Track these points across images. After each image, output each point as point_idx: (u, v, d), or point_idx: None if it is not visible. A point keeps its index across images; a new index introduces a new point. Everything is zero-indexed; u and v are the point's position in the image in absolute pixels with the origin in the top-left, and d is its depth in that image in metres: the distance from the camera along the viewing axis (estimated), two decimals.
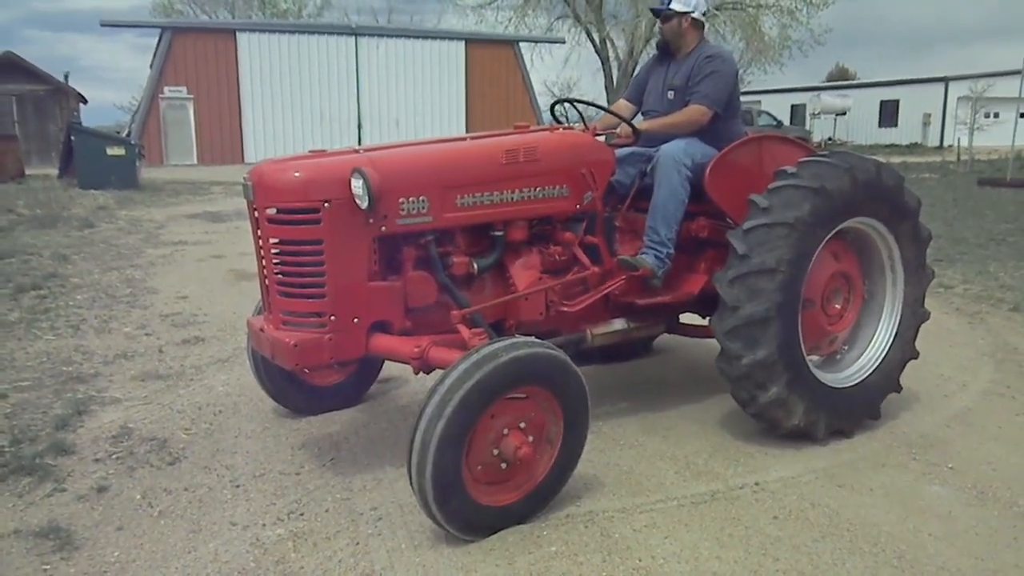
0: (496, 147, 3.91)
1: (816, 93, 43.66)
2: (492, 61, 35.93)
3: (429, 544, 3.28)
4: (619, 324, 4.38)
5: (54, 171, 23.57)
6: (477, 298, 3.92)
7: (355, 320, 3.53)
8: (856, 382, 4.41)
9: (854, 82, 55.49)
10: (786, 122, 38.74)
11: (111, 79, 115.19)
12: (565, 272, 4.20)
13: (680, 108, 4.57)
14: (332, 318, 3.49)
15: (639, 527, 3.44)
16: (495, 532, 3.24)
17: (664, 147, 4.37)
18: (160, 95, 31.71)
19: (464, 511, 3.12)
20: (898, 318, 4.55)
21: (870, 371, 4.47)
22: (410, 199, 3.56)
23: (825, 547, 3.29)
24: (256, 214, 3.57)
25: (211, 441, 4.41)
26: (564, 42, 40.27)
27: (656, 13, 4.72)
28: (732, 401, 4.31)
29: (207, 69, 32.03)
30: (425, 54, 34.63)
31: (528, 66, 37.75)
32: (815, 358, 4.39)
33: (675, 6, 4.60)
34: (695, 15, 4.64)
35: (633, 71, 41.29)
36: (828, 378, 4.30)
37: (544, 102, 37.83)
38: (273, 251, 3.55)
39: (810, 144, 4.98)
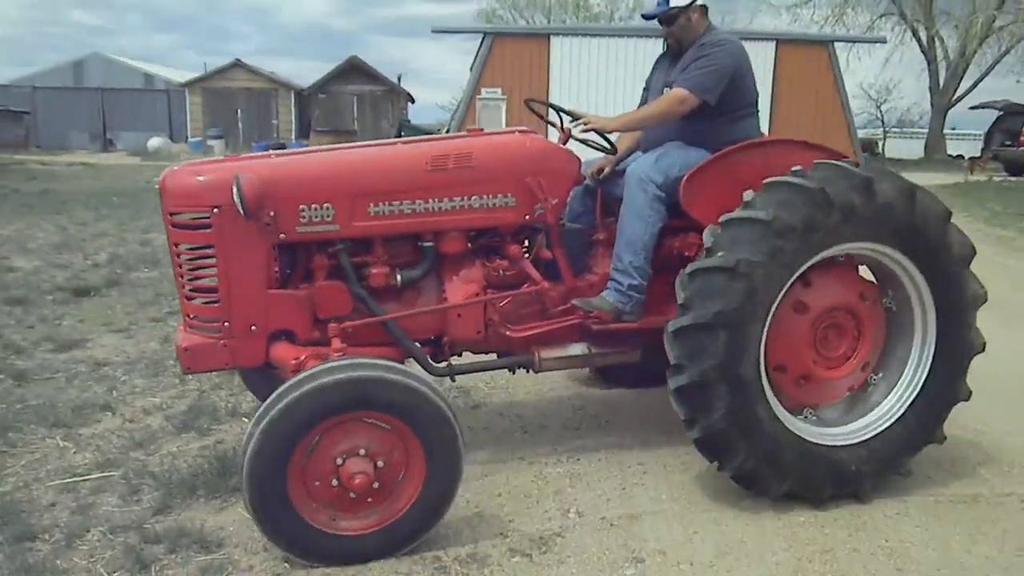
0: (421, 153, 3.63)
1: None
2: (803, 62, 34.63)
3: (686, 497, 3.69)
4: (577, 349, 3.95)
5: None
6: (402, 311, 3.71)
7: (252, 328, 3.45)
8: (866, 437, 3.69)
9: None
10: None
11: (436, 80, 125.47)
12: (512, 289, 3.84)
13: None
14: (226, 324, 3.43)
15: (891, 513, 3.59)
16: (351, 561, 3.09)
17: (632, 163, 3.91)
18: (477, 96, 34.23)
19: (296, 533, 3.01)
20: (931, 354, 3.72)
21: (889, 422, 3.72)
22: (312, 206, 3.43)
23: None
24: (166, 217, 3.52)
25: (506, 394, 5.13)
26: (885, 41, 37.74)
27: (655, 18, 4.04)
28: (1017, 411, 4.22)
29: (521, 71, 34.01)
30: None
31: (843, 68, 35.98)
32: (815, 412, 3.79)
33: (676, 1, 3.95)
34: (700, 0, 3.99)
35: (964, 72, 37.96)
36: (824, 434, 3.67)
37: (857, 105, 35.93)
38: (177, 255, 3.50)
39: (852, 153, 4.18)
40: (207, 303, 3.46)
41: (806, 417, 3.73)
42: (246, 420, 4.60)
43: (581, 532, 3.42)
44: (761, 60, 34.32)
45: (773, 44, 34.45)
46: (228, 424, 4.56)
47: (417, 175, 3.57)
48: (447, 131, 31.47)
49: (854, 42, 37.52)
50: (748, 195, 3.42)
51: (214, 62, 41.50)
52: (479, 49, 34.29)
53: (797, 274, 3.43)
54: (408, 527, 3.13)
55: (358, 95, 36.47)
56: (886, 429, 3.69)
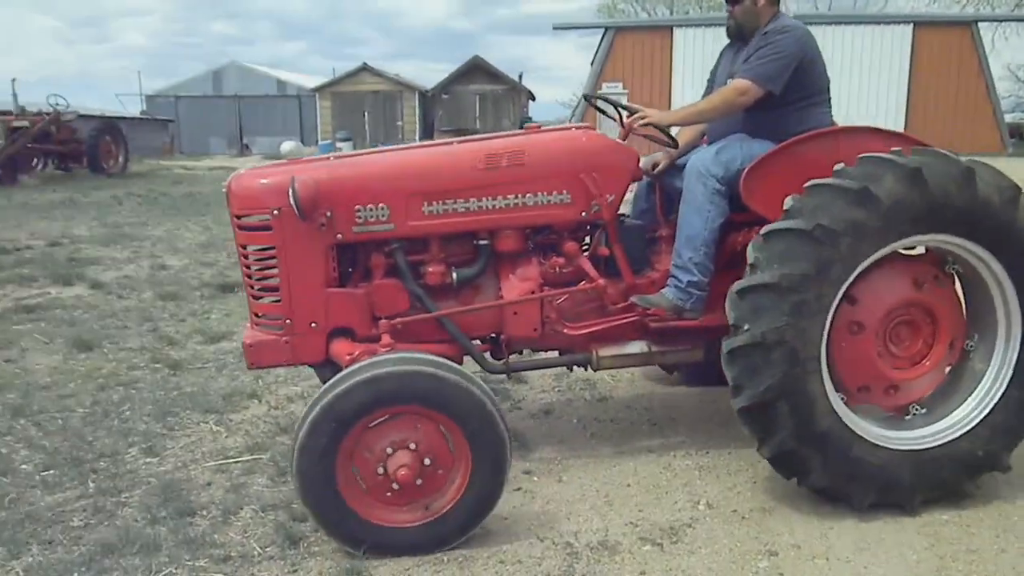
0: (475, 152, 3.65)
1: None
2: (943, 44, 32.87)
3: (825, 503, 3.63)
4: (636, 347, 3.88)
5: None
6: (458, 309, 3.73)
7: (312, 325, 3.55)
8: (926, 446, 3.47)
9: None
10: None
11: (556, 78, 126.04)
12: (570, 286, 3.80)
13: None
14: (288, 322, 3.55)
15: None
16: (397, 553, 3.15)
17: (692, 156, 3.84)
18: (598, 91, 34.15)
19: (343, 523, 3.09)
20: (1007, 376, 3.50)
21: (950, 437, 3.49)
22: (367, 207, 3.50)
23: None
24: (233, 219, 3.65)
25: (632, 388, 5.14)
26: None
27: None
28: None
29: (642, 65, 33.72)
30: (866, 40, 32.83)
31: (987, 49, 33.98)
32: (922, 407, 3.61)
33: None
34: None
35: None
36: (882, 435, 3.47)
37: (1004, 88, 33.87)
38: (244, 256, 3.63)
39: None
40: (271, 302, 3.59)
41: (914, 415, 3.59)
42: None
43: (712, 524, 3.42)
44: (898, 44, 32.87)
45: (910, 27, 32.85)
46: None
47: (470, 174, 3.60)
48: None
49: (1000, 21, 35.30)
50: (788, 202, 3.29)
51: (342, 67, 42.80)
52: (600, 44, 34.18)
53: (852, 277, 3.28)
54: (454, 523, 3.16)
55: (480, 94, 36.98)
56: (983, 419, 3.50)
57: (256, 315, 3.66)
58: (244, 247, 3.60)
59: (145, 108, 44.14)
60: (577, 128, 3.84)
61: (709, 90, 4.15)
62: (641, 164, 3.91)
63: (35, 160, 21.72)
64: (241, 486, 3.81)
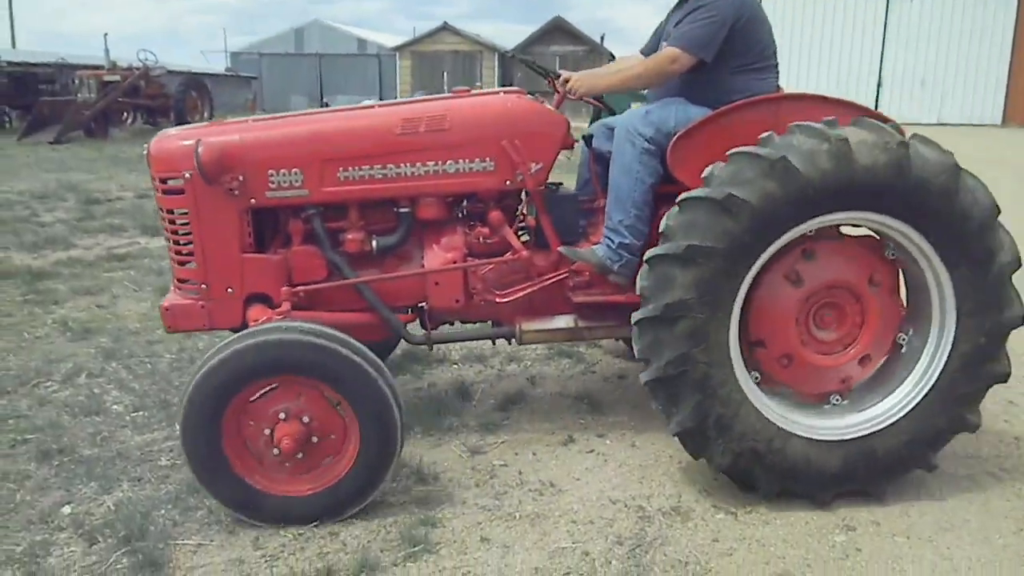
0: (392, 116, 3.51)
1: None
2: None
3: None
4: (562, 322, 3.73)
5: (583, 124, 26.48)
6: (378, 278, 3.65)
7: (228, 290, 3.49)
8: (841, 438, 3.27)
9: None
10: None
11: (639, 39, 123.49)
12: (496, 257, 3.65)
13: None
14: (203, 286, 3.48)
15: None
16: (292, 522, 3.09)
17: (622, 116, 3.63)
18: None
19: (233, 490, 3.06)
20: (939, 369, 3.25)
21: (867, 431, 3.27)
22: (280, 172, 3.42)
23: None
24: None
25: None
26: None
27: None
28: None
29: None
30: (967, 8, 31.42)
31: None
32: (844, 397, 3.41)
33: None
34: None
35: None
36: (797, 422, 3.28)
37: None
38: (164, 219, 3.55)
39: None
40: (188, 266, 3.52)
41: (833, 404, 3.40)
42: (456, 367, 4.85)
43: (787, 495, 3.36)
44: (1000, 13, 31.33)
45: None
46: (438, 369, 4.82)
47: (387, 139, 3.48)
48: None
49: None
50: (707, 170, 3.12)
51: (423, 26, 42.85)
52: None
53: (769, 252, 3.08)
54: (346, 493, 3.10)
55: (560, 55, 36.55)
56: (906, 415, 3.27)
57: (178, 280, 3.60)
58: (164, 210, 3.51)
59: (229, 65, 45.04)
60: (506, 92, 3.69)
61: (651, 46, 3.97)
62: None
63: (125, 114, 22.39)
64: None
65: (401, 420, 3.09)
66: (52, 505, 3.27)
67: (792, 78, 32.58)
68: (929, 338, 3.27)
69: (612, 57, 39.27)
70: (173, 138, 3.48)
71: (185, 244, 3.47)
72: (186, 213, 3.43)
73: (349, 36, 46.34)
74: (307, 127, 3.57)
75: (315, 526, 3.09)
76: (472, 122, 3.53)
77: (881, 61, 32.45)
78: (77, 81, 21.20)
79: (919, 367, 3.29)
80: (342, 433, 3.11)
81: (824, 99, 3.41)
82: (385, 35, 48.26)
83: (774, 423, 3.22)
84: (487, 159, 3.51)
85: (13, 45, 38.23)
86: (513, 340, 3.84)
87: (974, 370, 3.21)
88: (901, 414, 3.27)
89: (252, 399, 3.06)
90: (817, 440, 3.25)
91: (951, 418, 3.26)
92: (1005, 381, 3.26)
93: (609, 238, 3.54)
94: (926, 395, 3.25)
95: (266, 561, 2.91)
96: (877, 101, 31.66)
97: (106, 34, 24.17)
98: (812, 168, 2.93)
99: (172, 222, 3.48)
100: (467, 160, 3.51)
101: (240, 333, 3.10)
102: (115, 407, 4.24)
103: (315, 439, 3.07)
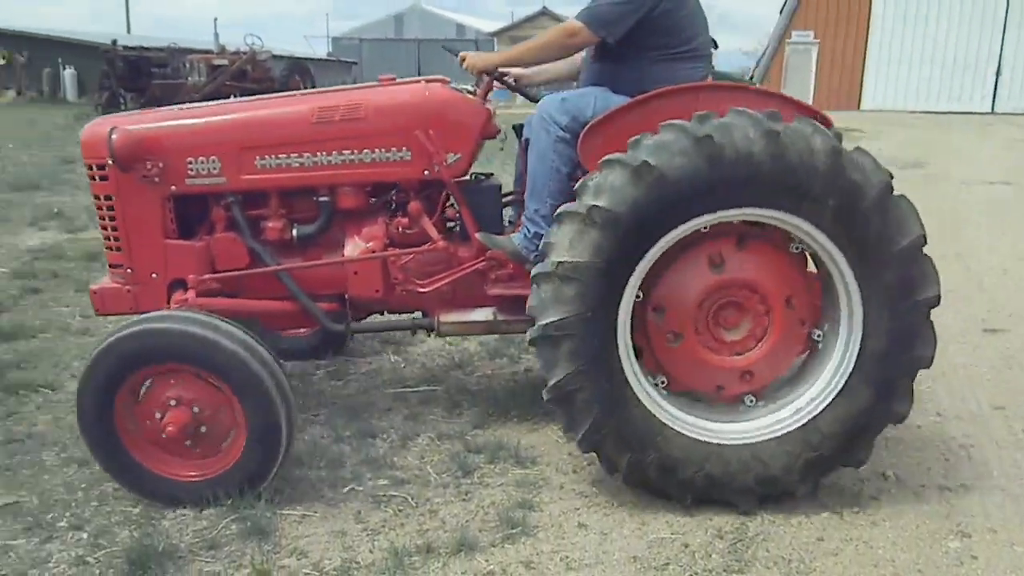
0: (308, 105, 3.49)
1: None
2: None
3: (1022, 476, 3.36)
4: (480, 315, 3.62)
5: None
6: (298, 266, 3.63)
7: (153, 275, 3.51)
8: (753, 440, 3.09)
9: None
10: None
11: (741, 26, 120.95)
12: (416, 247, 3.58)
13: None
14: (129, 271, 3.52)
15: None
16: (182, 503, 3.11)
17: (540, 103, 3.47)
18: (787, 40, 32.50)
19: (130, 472, 3.10)
20: (851, 362, 3.04)
21: (780, 432, 3.09)
22: (198, 159, 3.43)
23: None
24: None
25: None
26: None
27: None
28: None
29: (837, 13, 31.76)
30: None
31: None
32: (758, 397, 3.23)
33: None
34: None
35: None
36: (704, 427, 3.11)
37: None
38: (95, 205, 3.59)
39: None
40: (115, 250, 3.56)
41: (748, 406, 3.23)
42: None
43: (898, 497, 3.25)
44: None
45: None
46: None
47: (303, 128, 3.46)
48: (750, 78, 30.28)
49: None
50: (581, 180, 2.99)
51: (521, 11, 42.84)
52: None
53: (650, 260, 2.94)
54: (240, 476, 3.07)
55: None
56: (819, 414, 3.09)
57: (110, 264, 3.65)
58: (93, 196, 3.57)
59: (331, 50, 45.98)
60: (428, 81, 3.63)
61: None
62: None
63: (232, 96, 23.10)
64: (418, 415, 3.95)
65: (288, 415, 3.04)
66: None
67: (904, 68, 31.40)
68: (839, 335, 3.09)
69: (715, 43, 38.25)
70: (101, 125, 3.50)
71: (112, 230, 3.53)
72: (111, 198, 3.48)
73: (448, 21, 46.72)
74: (225, 115, 3.59)
75: (415, 504, 3.12)
76: (387, 111, 3.49)
77: (1001, 49, 30.82)
78: (188, 65, 22.00)
79: (831, 365, 3.11)
80: (231, 424, 3.09)
81: (744, 88, 3.22)
82: (484, 20, 48.45)
83: (681, 431, 3.08)
84: (403, 148, 3.47)
85: (128, 31, 39.95)
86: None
87: (893, 357, 3.01)
88: (813, 414, 3.09)
89: (144, 384, 3.09)
90: (729, 444, 3.09)
91: (869, 416, 3.07)
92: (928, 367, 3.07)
93: (526, 227, 3.44)
94: (839, 394, 3.07)
95: (367, 535, 2.97)
96: (995, 90, 30.20)
97: (216, 19, 25.08)
98: (674, 169, 2.79)
99: (100, 208, 3.53)
100: (383, 149, 3.47)
101: (131, 319, 3.13)
102: None
103: (203, 429, 3.08)
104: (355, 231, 3.63)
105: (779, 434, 3.10)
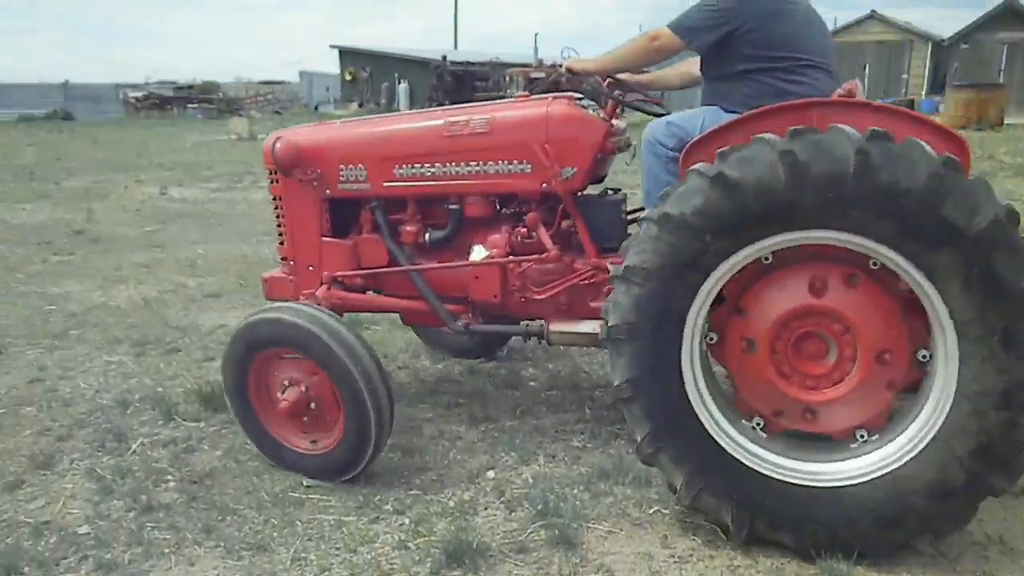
0: (442, 119, 3.71)
1: None
2: None
3: None
4: (587, 326, 3.57)
5: None
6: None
7: (309, 268, 3.99)
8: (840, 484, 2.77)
9: None
10: None
11: None
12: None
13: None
14: (291, 263, 4.05)
15: None
16: (304, 471, 3.50)
17: (647, 127, 3.52)
18: None
19: (260, 436, 3.59)
20: (945, 410, 2.61)
21: (864, 478, 2.75)
22: (348, 167, 3.83)
23: None
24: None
25: None
26: None
27: None
28: None
29: None
30: None
31: None
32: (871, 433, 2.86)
33: None
34: None
35: None
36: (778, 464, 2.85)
37: None
38: (272, 205, 4.09)
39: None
40: (283, 244, 4.09)
41: (865, 441, 2.87)
42: None
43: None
44: None
45: None
46: None
47: (434, 140, 3.71)
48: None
49: None
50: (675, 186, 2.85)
51: (845, 16, 40.28)
52: None
53: (720, 275, 2.76)
54: (341, 456, 3.40)
55: (1010, 43, 31.96)
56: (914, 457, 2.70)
57: (280, 256, 4.15)
58: (272, 197, 4.08)
59: None
60: (555, 98, 3.66)
61: None
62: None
63: None
64: None
65: (379, 411, 3.29)
66: (478, 468, 3.57)
67: None
68: (938, 363, 2.69)
69: None
70: (273, 136, 3.96)
71: (281, 226, 4.07)
72: (279, 199, 4.03)
73: None
74: (373, 128, 3.98)
75: (724, 536, 2.98)
76: (510, 126, 3.65)
77: None
78: (508, 78, 23.31)
79: (932, 397, 2.69)
80: (335, 407, 3.40)
81: (868, 106, 2.93)
82: None
83: (744, 463, 2.86)
84: (524, 161, 3.60)
85: (455, 46, 43.15)
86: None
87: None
88: (906, 458, 2.72)
89: (273, 362, 3.50)
90: (818, 486, 2.82)
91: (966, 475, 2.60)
92: None
93: None
94: (940, 430, 2.66)
95: (675, 562, 2.87)
96: None
97: (536, 34, 26.28)
98: (754, 185, 2.60)
99: (275, 207, 4.06)
100: (506, 161, 3.64)
101: (258, 308, 3.58)
102: (531, 384, 4.52)
103: (313, 406, 3.44)
104: (480, 238, 3.86)
105: (859, 481, 2.80)
